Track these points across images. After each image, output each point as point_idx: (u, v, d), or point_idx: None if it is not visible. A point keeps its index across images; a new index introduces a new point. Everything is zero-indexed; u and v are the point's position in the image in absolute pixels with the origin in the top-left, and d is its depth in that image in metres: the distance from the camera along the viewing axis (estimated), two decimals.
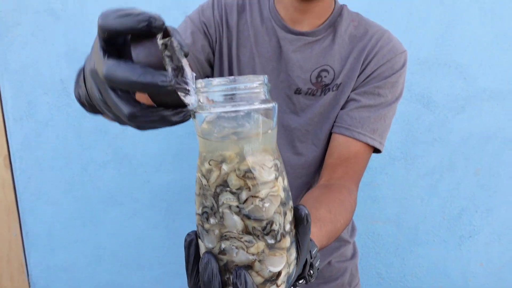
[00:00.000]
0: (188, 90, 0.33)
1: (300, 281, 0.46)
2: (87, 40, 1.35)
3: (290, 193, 0.39)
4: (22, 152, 1.46)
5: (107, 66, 0.30)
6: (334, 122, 0.83)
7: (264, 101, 0.35)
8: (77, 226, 1.54)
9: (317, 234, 0.56)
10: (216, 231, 0.37)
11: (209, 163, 0.36)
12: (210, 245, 0.38)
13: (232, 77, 0.34)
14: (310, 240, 0.45)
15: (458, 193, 1.46)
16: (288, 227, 0.38)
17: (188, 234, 0.40)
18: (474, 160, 1.43)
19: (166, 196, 1.51)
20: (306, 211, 0.39)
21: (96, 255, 1.57)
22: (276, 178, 0.37)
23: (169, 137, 1.44)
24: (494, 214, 1.48)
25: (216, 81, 0.34)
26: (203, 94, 0.35)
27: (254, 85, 0.34)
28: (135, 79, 0.29)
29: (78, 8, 1.33)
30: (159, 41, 0.30)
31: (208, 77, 0.90)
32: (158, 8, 1.33)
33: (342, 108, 0.83)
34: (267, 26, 0.84)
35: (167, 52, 0.30)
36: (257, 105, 0.35)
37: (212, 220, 0.37)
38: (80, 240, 1.56)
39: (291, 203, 0.39)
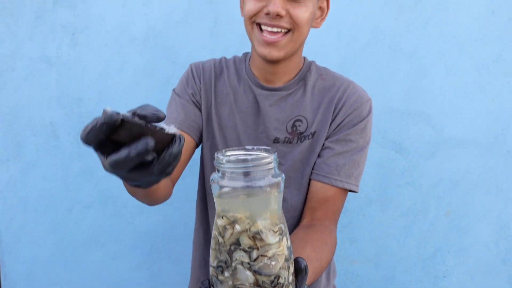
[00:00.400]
0: (162, 128, 0.40)
1: None
2: (79, 85, 1.40)
3: (292, 249, 0.45)
4: (6, 192, 1.46)
5: (108, 163, 0.39)
6: (312, 169, 0.91)
7: (274, 175, 0.42)
8: (58, 268, 1.52)
9: None
10: (230, 282, 0.43)
11: (222, 218, 0.42)
12: None
13: (247, 156, 0.41)
14: None
15: (432, 234, 1.54)
16: (291, 278, 0.44)
17: (202, 282, 0.46)
18: (445, 203, 1.52)
19: (149, 237, 1.53)
20: (305, 263, 0.45)
21: None
22: (281, 240, 0.43)
23: None
24: (465, 254, 1.55)
25: (232, 157, 0.41)
26: (221, 168, 0.41)
27: (267, 161, 0.41)
28: (132, 156, 0.37)
29: (72, 56, 1.39)
30: (123, 116, 0.38)
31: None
32: (148, 58, 1.40)
33: (319, 156, 0.91)
34: (244, 85, 0.95)
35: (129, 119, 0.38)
36: (268, 180, 0.41)
37: (226, 273, 0.43)
38: (60, 283, 1.54)
39: (292, 257, 0.45)
